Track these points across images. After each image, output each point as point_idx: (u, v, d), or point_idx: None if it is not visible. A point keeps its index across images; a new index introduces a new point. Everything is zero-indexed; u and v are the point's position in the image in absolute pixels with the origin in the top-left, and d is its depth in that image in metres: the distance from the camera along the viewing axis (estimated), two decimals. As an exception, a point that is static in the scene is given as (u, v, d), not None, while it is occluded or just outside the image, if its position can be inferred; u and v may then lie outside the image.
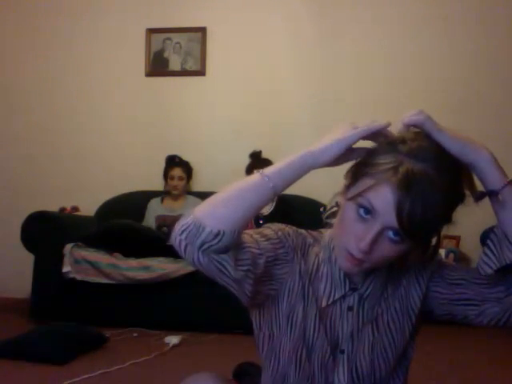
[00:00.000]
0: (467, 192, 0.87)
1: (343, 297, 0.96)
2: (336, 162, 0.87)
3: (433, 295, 0.98)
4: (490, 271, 0.88)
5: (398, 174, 0.80)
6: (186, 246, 0.81)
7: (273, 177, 0.83)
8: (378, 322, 0.98)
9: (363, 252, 0.84)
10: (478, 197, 0.85)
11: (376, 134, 0.86)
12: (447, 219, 0.86)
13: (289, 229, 0.99)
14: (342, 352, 0.97)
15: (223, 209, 0.82)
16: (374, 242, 0.83)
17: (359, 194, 0.84)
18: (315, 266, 0.98)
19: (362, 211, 0.84)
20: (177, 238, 0.81)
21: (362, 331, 0.97)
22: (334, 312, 0.97)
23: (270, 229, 0.97)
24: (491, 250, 0.88)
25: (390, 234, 0.83)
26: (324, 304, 0.96)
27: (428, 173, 0.80)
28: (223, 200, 0.83)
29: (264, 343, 1.01)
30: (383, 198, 0.81)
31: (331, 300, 0.96)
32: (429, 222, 0.81)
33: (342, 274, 0.96)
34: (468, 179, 0.86)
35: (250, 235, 0.91)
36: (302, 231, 1.02)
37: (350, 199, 0.86)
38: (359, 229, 0.84)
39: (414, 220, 0.80)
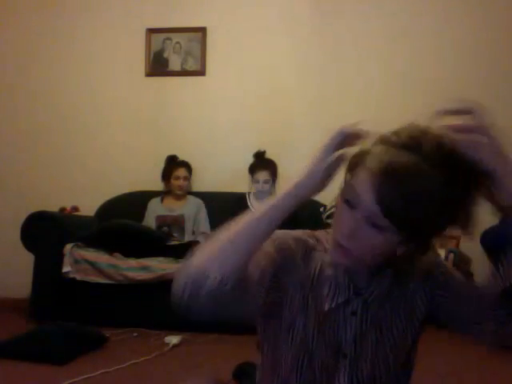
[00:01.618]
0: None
1: (347, 301, 0.95)
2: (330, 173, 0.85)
3: (438, 306, 0.97)
4: (495, 291, 0.88)
5: (382, 162, 0.80)
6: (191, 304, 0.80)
7: (263, 217, 0.83)
8: (382, 327, 0.97)
9: (346, 237, 0.84)
10: (507, 212, 0.81)
11: (354, 137, 0.85)
12: (445, 218, 0.82)
13: (287, 236, 0.98)
14: (345, 356, 0.96)
15: (221, 257, 0.81)
16: (359, 228, 0.82)
17: (347, 183, 0.85)
18: (318, 270, 0.97)
19: (348, 199, 0.84)
20: (181, 298, 0.81)
21: (366, 336, 0.96)
22: (337, 316, 0.96)
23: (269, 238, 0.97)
24: (499, 270, 0.87)
25: (374, 220, 0.82)
26: (326, 307, 0.95)
27: (415, 163, 0.78)
28: (219, 249, 0.82)
29: (268, 350, 1.01)
30: (363, 182, 0.81)
31: (334, 304, 0.95)
32: (409, 211, 0.78)
33: (346, 278, 0.95)
34: (486, 188, 0.82)
35: None
36: (302, 236, 1.00)
37: (341, 190, 0.86)
38: (346, 217, 0.84)
39: (392, 207, 0.78)
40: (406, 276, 0.97)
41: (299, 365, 0.97)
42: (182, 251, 3.16)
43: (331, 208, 3.62)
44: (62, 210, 3.67)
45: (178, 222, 3.65)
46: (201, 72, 4.00)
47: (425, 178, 0.78)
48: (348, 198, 0.84)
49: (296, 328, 0.96)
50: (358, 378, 0.96)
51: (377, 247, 0.85)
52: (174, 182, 3.74)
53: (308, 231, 1.02)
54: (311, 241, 1.00)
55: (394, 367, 0.98)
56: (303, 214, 3.39)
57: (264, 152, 3.75)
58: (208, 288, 0.78)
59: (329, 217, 3.44)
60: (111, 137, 4.03)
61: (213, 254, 0.82)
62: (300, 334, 0.96)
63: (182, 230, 3.64)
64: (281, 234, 0.97)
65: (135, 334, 2.92)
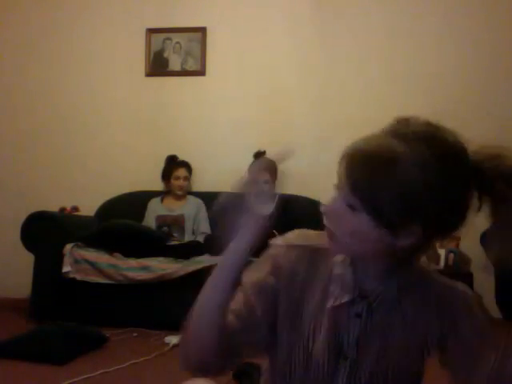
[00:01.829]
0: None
1: (352, 302, 0.93)
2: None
3: (448, 346, 0.92)
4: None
5: (356, 142, 0.83)
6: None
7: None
8: (387, 336, 0.93)
9: (327, 212, 0.87)
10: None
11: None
12: (416, 206, 0.80)
13: (288, 250, 0.98)
14: (346, 358, 0.94)
15: (197, 332, 0.87)
16: (338, 207, 0.85)
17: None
18: (329, 270, 0.96)
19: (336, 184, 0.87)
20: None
21: (369, 340, 0.93)
22: (340, 316, 0.94)
23: (265, 255, 0.98)
24: None
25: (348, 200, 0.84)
26: (330, 305, 0.94)
27: (383, 144, 0.80)
28: (195, 320, 0.87)
29: (273, 352, 1.01)
30: (341, 162, 0.85)
31: (338, 302, 0.93)
32: (371, 189, 0.80)
33: (353, 278, 0.93)
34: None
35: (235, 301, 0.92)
36: (312, 239, 1.00)
37: None
38: (331, 198, 0.88)
39: (356, 183, 0.81)
40: (413, 285, 0.93)
41: (297, 362, 0.96)
42: (182, 251, 3.17)
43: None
44: (62, 209, 3.67)
45: (177, 222, 3.65)
46: (201, 72, 4.00)
47: (392, 160, 0.79)
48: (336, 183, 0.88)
49: (300, 326, 0.96)
50: (355, 381, 0.94)
51: (356, 231, 0.85)
52: (174, 182, 3.74)
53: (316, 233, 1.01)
54: (322, 241, 0.97)
55: (393, 377, 0.94)
56: (303, 213, 3.40)
57: (264, 152, 3.74)
58: (194, 363, 0.88)
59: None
60: (111, 137, 4.03)
61: (193, 325, 0.87)
62: (303, 331, 0.96)
63: (182, 229, 3.64)
64: (280, 249, 0.98)
65: (135, 334, 2.91)
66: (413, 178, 0.78)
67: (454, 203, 0.81)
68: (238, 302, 0.92)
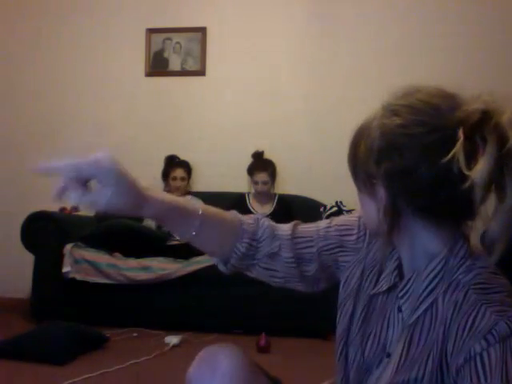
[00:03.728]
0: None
1: (393, 293, 0.84)
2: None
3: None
4: None
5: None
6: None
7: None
8: (412, 342, 0.78)
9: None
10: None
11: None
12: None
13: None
14: (388, 355, 0.82)
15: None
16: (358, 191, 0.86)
17: None
18: (375, 253, 0.92)
19: None
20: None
21: (400, 339, 0.80)
22: (384, 308, 0.85)
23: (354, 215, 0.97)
24: None
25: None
26: (371, 292, 0.87)
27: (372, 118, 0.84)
28: None
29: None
30: None
31: (377, 290, 0.86)
32: (352, 165, 0.84)
33: (394, 265, 0.86)
34: None
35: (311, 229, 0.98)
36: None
37: None
38: None
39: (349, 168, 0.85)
40: (456, 285, 0.75)
41: (338, 353, 0.90)
42: (181, 251, 3.16)
43: (331, 208, 3.62)
44: (62, 210, 3.66)
45: (177, 222, 3.64)
46: (201, 72, 4.00)
47: (364, 128, 0.84)
48: None
49: (345, 308, 0.91)
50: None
51: (364, 209, 0.84)
52: (172, 183, 3.74)
53: None
54: None
55: None
56: (303, 213, 3.39)
57: (262, 152, 3.75)
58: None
59: (329, 217, 3.44)
60: (110, 137, 4.02)
61: None
62: (345, 315, 0.91)
63: (182, 229, 3.63)
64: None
65: (135, 334, 2.91)
66: (373, 137, 0.81)
67: (409, 163, 0.75)
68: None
